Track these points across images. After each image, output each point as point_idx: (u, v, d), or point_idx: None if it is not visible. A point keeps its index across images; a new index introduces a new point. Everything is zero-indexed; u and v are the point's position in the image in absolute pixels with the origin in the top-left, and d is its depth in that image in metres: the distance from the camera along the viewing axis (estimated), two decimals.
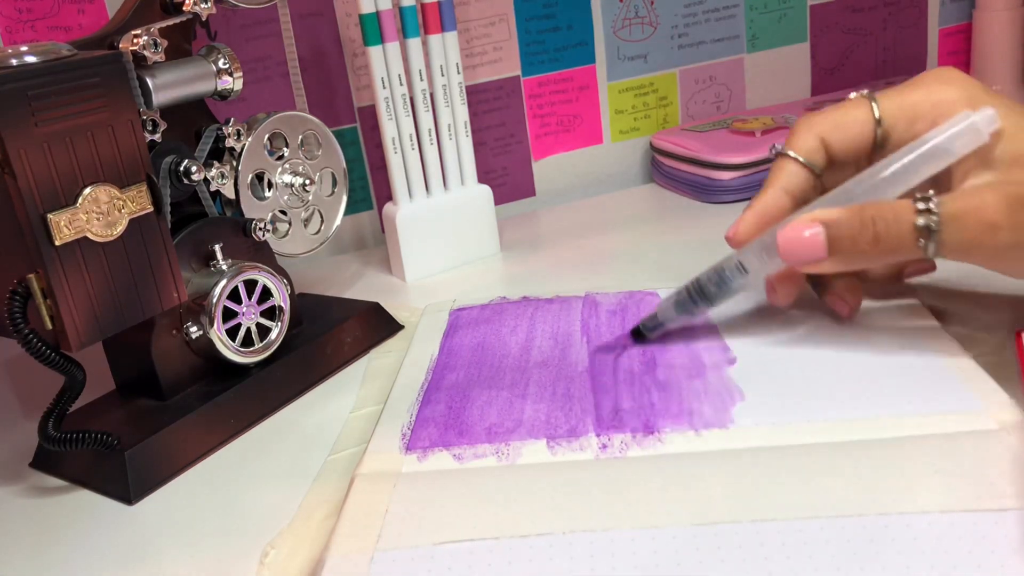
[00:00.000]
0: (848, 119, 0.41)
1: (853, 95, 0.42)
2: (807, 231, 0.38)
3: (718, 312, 0.48)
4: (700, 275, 0.44)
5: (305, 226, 0.53)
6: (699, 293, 0.43)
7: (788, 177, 0.42)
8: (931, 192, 0.37)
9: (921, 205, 0.36)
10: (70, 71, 0.38)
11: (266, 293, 0.47)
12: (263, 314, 0.47)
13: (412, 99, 0.60)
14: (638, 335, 0.45)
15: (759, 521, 0.31)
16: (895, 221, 0.37)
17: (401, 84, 0.59)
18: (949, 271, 0.47)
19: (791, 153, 0.42)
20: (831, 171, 0.42)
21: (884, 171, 0.39)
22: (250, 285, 0.46)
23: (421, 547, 0.32)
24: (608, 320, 0.49)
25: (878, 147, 0.41)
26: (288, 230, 0.52)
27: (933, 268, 0.45)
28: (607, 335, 0.47)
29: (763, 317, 0.47)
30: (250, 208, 0.50)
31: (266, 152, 0.50)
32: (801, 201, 0.42)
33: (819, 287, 0.45)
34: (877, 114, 0.41)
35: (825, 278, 0.44)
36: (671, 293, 0.44)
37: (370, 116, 0.69)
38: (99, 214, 0.39)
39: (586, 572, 0.30)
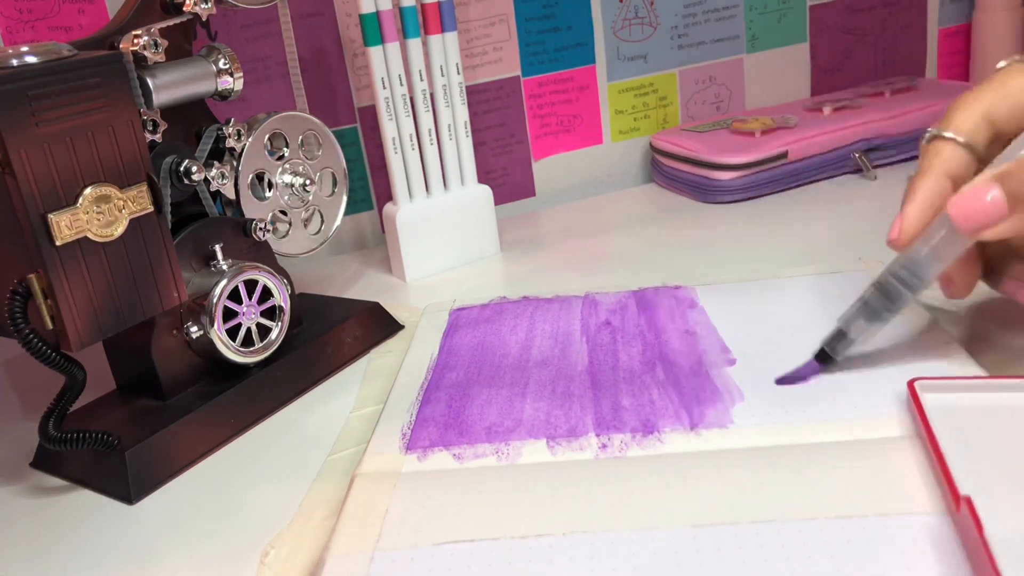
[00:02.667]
0: (1011, 88, 0.38)
1: (1002, 63, 0.39)
2: (982, 192, 0.35)
3: (717, 312, 0.48)
4: (882, 277, 0.39)
5: (305, 226, 0.53)
6: (888, 295, 0.38)
7: (948, 161, 0.38)
8: None
9: None
10: (70, 71, 0.38)
11: (266, 293, 0.47)
12: (263, 314, 0.47)
13: (412, 99, 0.60)
14: (825, 358, 0.40)
15: (759, 522, 0.31)
16: None
17: (401, 84, 0.59)
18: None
19: (948, 134, 0.39)
20: (995, 149, 0.38)
21: None
22: (250, 285, 0.46)
23: (421, 547, 0.32)
24: (608, 320, 0.49)
25: None
26: (288, 230, 0.52)
27: None
28: (607, 335, 0.47)
29: (763, 316, 0.47)
30: (250, 208, 0.50)
31: (266, 152, 0.50)
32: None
33: (993, 277, 0.41)
34: None
35: (999, 266, 0.40)
36: (852, 305, 0.40)
37: (370, 116, 0.69)
38: (99, 214, 0.39)
39: (586, 573, 0.30)
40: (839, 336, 0.40)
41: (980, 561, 0.27)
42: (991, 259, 0.40)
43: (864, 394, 0.38)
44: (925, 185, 0.39)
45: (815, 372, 0.40)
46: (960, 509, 0.29)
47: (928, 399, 0.35)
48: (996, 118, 0.38)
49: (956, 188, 0.38)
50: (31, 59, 0.37)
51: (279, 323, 0.48)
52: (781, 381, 0.40)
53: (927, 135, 0.40)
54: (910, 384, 0.36)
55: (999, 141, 0.39)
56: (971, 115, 0.39)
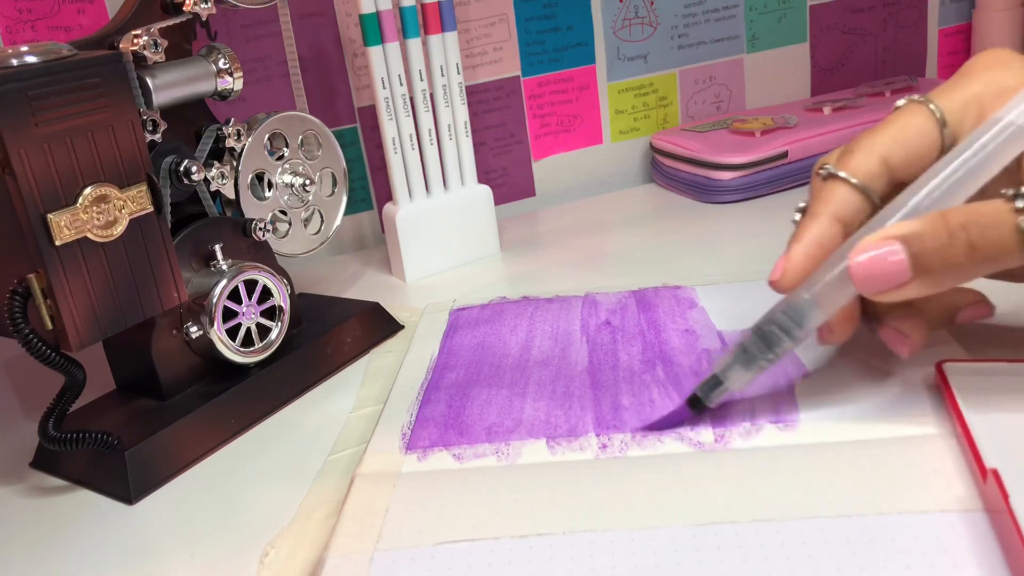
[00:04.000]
0: (908, 131, 0.36)
1: (901, 102, 0.37)
2: (886, 251, 0.32)
3: (717, 312, 0.48)
4: (762, 323, 0.36)
5: (305, 226, 0.53)
6: (767, 341, 0.36)
7: (841, 204, 0.36)
8: None
9: (1021, 203, 0.30)
10: (70, 71, 0.38)
11: (266, 293, 0.47)
12: (263, 314, 0.47)
13: (412, 99, 0.60)
14: (696, 403, 0.38)
15: (759, 521, 0.31)
16: (992, 226, 0.31)
17: (401, 84, 0.59)
18: None
19: (844, 175, 0.36)
20: (889, 198, 0.36)
21: (951, 167, 0.33)
22: (250, 285, 0.46)
23: (421, 547, 0.32)
24: (608, 319, 0.49)
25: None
26: (288, 230, 0.52)
27: (991, 312, 0.39)
28: (607, 335, 0.47)
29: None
30: (250, 208, 0.50)
31: (266, 152, 0.50)
32: (852, 232, 0.36)
33: (873, 321, 0.38)
34: (939, 115, 0.36)
35: (879, 311, 0.38)
36: (728, 351, 0.37)
37: (370, 116, 0.69)
38: (99, 214, 0.39)
39: (586, 572, 0.30)
40: (714, 382, 0.37)
41: (1007, 531, 0.28)
42: (869, 302, 0.37)
43: (864, 394, 0.38)
44: (814, 228, 0.36)
45: (684, 418, 0.38)
46: (987, 480, 0.30)
47: (956, 379, 0.36)
48: (893, 162, 0.36)
49: (846, 234, 0.36)
50: (31, 59, 0.37)
51: (279, 323, 0.48)
52: (648, 427, 0.38)
53: (822, 171, 0.37)
54: (938, 366, 0.37)
55: (895, 186, 0.36)
56: (870, 158, 0.36)
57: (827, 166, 0.37)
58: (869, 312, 0.38)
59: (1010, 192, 0.31)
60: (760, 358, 0.36)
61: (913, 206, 0.33)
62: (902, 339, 0.37)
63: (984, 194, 0.33)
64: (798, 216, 0.38)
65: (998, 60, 0.36)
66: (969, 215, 0.31)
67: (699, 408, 0.38)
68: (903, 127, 0.36)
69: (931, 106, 0.36)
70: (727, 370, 0.37)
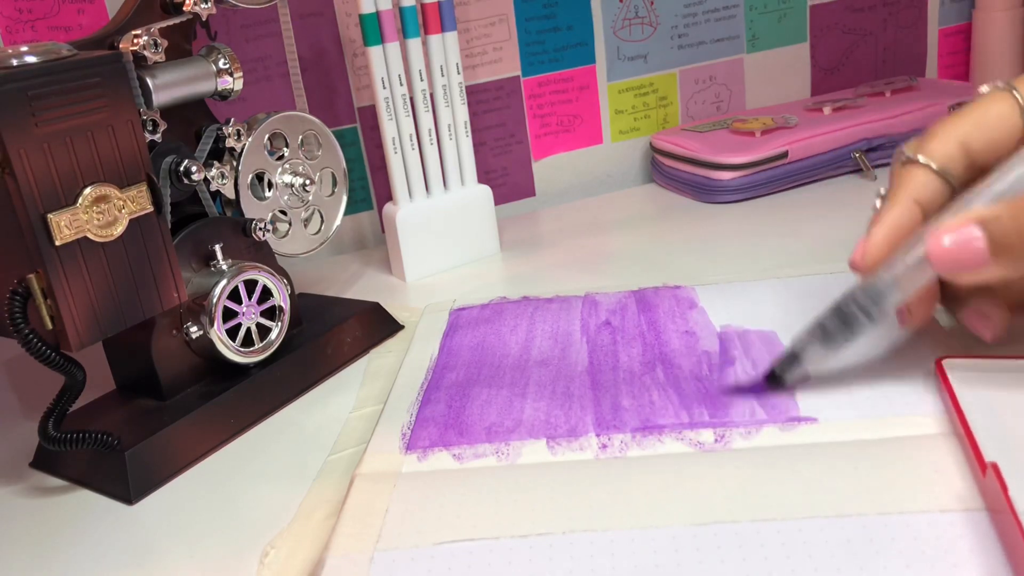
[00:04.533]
0: (990, 116, 0.36)
1: (984, 88, 0.37)
2: (965, 233, 0.32)
3: (717, 312, 0.48)
4: (841, 303, 0.37)
5: (305, 226, 0.53)
6: (846, 320, 0.36)
7: (920, 188, 0.37)
8: None
9: None
10: (70, 71, 0.38)
11: (266, 293, 0.47)
12: (263, 314, 0.47)
13: (412, 99, 0.60)
14: (775, 380, 0.39)
15: (759, 521, 0.31)
16: None
17: (401, 84, 0.59)
18: None
19: (923, 159, 0.37)
20: (969, 179, 0.37)
21: None
22: (250, 285, 0.46)
23: (421, 547, 0.32)
24: (608, 320, 0.49)
25: None
26: (288, 230, 0.52)
27: (1001, 325, 0.39)
28: (607, 335, 0.47)
29: (763, 316, 0.47)
30: (250, 208, 0.50)
31: (266, 152, 0.50)
32: (931, 216, 0.36)
33: (953, 304, 0.39)
34: (1022, 102, 0.36)
35: (960, 294, 0.38)
36: (806, 328, 0.38)
37: (370, 116, 0.69)
38: (99, 214, 0.39)
39: (586, 572, 0.30)
40: (791, 359, 0.38)
41: (1008, 527, 0.28)
42: (950, 285, 0.38)
43: (863, 394, 0.38)
44: (894, 211, 0.37)
45: (760, 392, 0.39)
46: (986, 475, 0.30)
47: (955, 375, 0.36)
48: (973, 147, 0.37)
49: (925, 216, 0.37)
50: (31, 59, 0.37)
51: (279, 323, 0.48)
52: (726, 391, 0.39)
53: (902, 156, 0.38)
54: (938, 362, 0.37)
55: (974, 171, 0.37)
56: (948, 142, 0.37)
57: (905, 151, 0.38)
58: (949, 296, 0.39)
59: None
60: (839, 337, 0.37)
61: (996, 192, 0.34)
62: (985, 321, 0.38)
63: None
64: (879, 202, 0.39)
65: None
66: None
67: (778, 384, 0.38)
68: (984, 112, 0.37)
69: (1015, 93, 0.36)
70: (805, 347, 0.37)
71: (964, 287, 0.38)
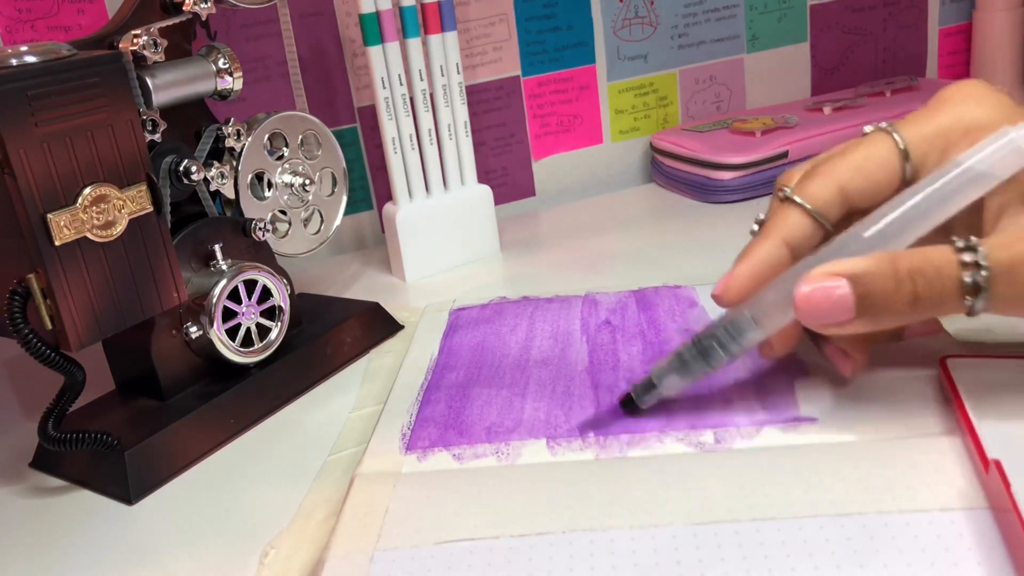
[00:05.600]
0: (870, 161, 0.36)
1: (868, 128, 0.37)
2: (830, 285, 0.32)
3: (717, 312, 0.48)
4: (701, 334, 0.37)
5: (305, 226, 0.53)
6: (704, 352, 0.37)
7: (791, 228, 0.37)
8: (973, 239, 0.31)
9: (967, 257, 0.31)
10: (70, 71, 0.38)
11: (266, 293, 0.47)
12: (263, 314, 0.47)
13: (412, 99, 0.60)
14: (629, 404, 0.39)
15: (759, 520, 0.31)
16: (937, 277, 0.31)
17: (401, 84, 0.59)
18: None
19: (799, 200, 0.37)
20: (844, 224, 0.36)
21: (910, 204, 0.33)
22: (250, 285, 0.46)
23: (421, 547, 0.32)
24: (608, 319, 0.49)
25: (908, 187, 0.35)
26: (288, 230, 0.52)
27: (940, 330, 0.40)
28: (607, 335, 0.47)
29: None
30: (250, 208, 0.50)
31: (266, 152, 0.50)
32: (800, 257, 0.36)
33: (818, 339, 0.39)
34: (902, 146, 0.35)
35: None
36: (667, 357, 0.38)
37: (370, 116, 0.69)
38: (99, 214, 0.39)
39: (586, 571, 0.30)
40: (648, 386, 0.38)
41: (1010, 524, 0.28)
42: None
43: (864, 393, 0.38)
44: (762, 248, 0.37)
45: (617, 418, 0.39)
46: (989, 472, 0.30)
47: (959, 374, 0.36)
48: (851, 192, 0.36)
49: (795, 258, 0.36)
50: (31, 59, 0.37)
51: (279, 323, 0.48)
52: (581, 427, 0.39)
53: (781, 192, 0.37)
54: (942, 361, 0.37)
55: (850, 214, 0.36)
56: (827, 186, 0.36)
57: (785, 189, 0.37)
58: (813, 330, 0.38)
59: (960, 244, 0.31)
60: (695, 368, 0.37)
61: (866, 240, 0.33)
62: (845, 358, 0.38)
63: (941, 231, 0.33)
64: (756, 227, 0.39)
65: (971, 94, 0.35)
66: (917, 262, 0.31)
67: (631, 409, 0.39)
68: (866, 157, 0.36)
69: (896, 136, 0.36)
70: (663, 376, 0.38)
71: None
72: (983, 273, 0.31)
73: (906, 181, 0.35)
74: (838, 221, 0.37)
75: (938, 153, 0.35)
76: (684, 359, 0.37)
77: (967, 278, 0.31)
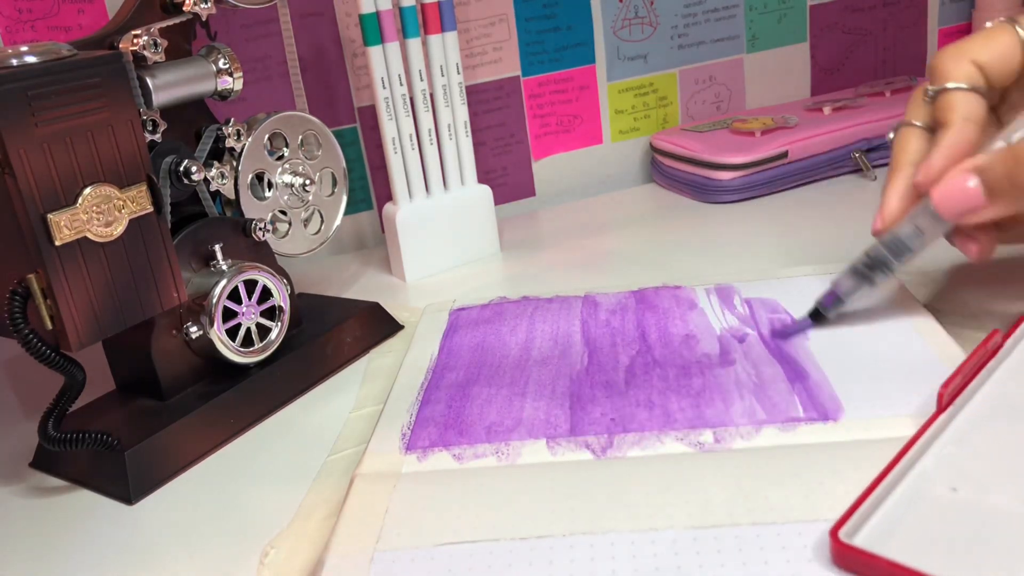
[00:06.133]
0: (994, 40, 0.40)
1: (988, 24, 0.41)
2: (961, 181, 0.37)
3: (717, 312, 0.48)
4: (870, 248, 0.42)
5: (305, 226, 0.53)
6: (876, 262, 0.42)
7: (964, 106, 0.40)
8: None
9: None
10: (70, 71, 0.37)
11: (266, 293, 0.47)
12: (263, 314, 0.47)
13: (412, 99, 0.60)
14: (817, 316, 0.44)
15: (759, 524, 0.31)
16: None
17: (401, 84, 0.59)
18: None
19: (951, 85, 0.40)
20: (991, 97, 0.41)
21: None
22: (250, 285, 0.46)
23: (421, 548, 0.32)
24: (608, 320, 0.49)
25: None
26: (288, 230, 0.52)
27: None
28: (607, 335, 0.47)
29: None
30: (250, 208, 0.50)
31: (266, 152, 0.50)
32: (987, 132, 0.40)
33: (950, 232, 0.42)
34: (1022, 34, 0.40)
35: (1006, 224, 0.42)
36: (844, 270, 0.43)
37: (370, 116, 0.69)
38: (99, 214, 0.39)
39: (586, 574, 0.30)
40: (831, 297, 0.43)
41: None
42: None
43: (863, 396, 0.38)
44: (948, 134, 0.40)
45: (808, 327, 0.44)
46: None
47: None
48: (984, 64, 0.40)
49: (981, 134, 0.40)
50: (31, 59, 0.37)
51: (279, 323, 0.48)
52: (775, 334, 0.44)
53: (928, 93, 0.41)
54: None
55: (993, 92, 0.41)
56: (963, 63, 0.40)
57: (929, 89, 0.42)
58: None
59: None
60: (871, 276, 0.42)
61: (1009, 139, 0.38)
62: (971, 242, 0.41)
63: None
64: (891, 135, 0.44)
65: None
66: None
67: (820, 320, 0.44)
68: (989, 37, 0.41)
69: (1016, 27, 0.40)
70: (842, 286, 0.43)
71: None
72: None
73: None
74: (990, 93, 0.41)
75: None
76: (858, 270, 0.42)
77: None
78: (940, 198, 0.38)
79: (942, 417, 0.34)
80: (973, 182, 0.37)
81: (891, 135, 0.43)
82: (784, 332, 0.44)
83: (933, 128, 0.41)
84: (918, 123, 0.42)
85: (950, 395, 0.35)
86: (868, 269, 0.42)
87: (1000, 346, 0.39)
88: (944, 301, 0.47)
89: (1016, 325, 0.40)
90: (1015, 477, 0.31)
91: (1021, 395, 0.36)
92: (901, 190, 0.41)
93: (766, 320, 0.46)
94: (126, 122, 0.40)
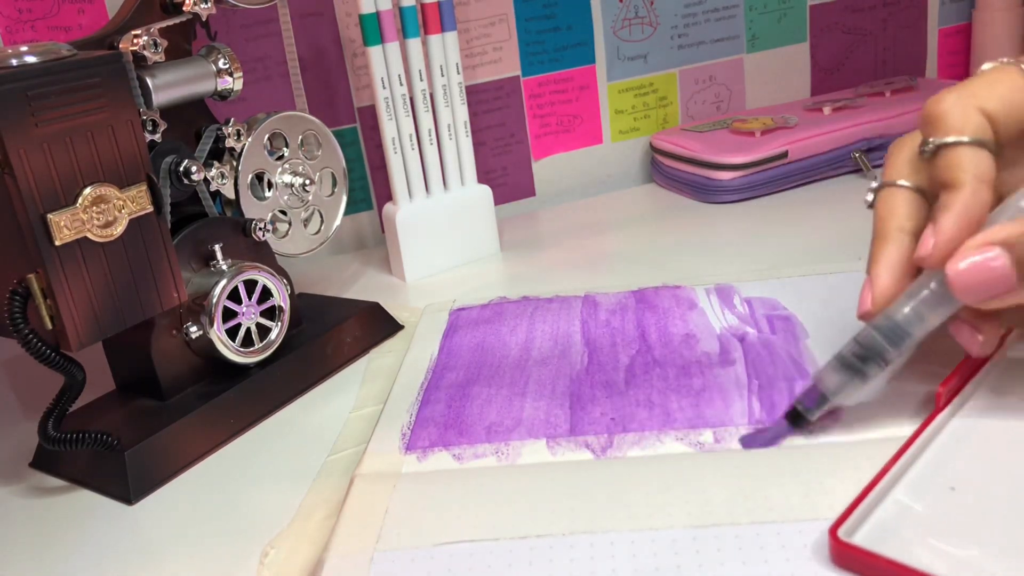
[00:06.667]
0: (1001, 84, 0.33)
1: (987, 66, 0.34)
2: (985, 257, 0.30)
3: (717, 312, 0.48)
4: (861, 334, 0.35)
5: (305, 226, 0.53)
6: (870, 352, 0.34)
7: (976, 165, 0.32)
8: None
9: None
10: (70, 71, 0.38)
11: (266, 293, 0.47)
12: (263, 314, 0.47)
13: (412, 99, 0.60)
14: (796, 418, 0.36)
15: (758, 523, 0.31)
16: None
17: (401, 84, 0.59)
18: None
19: (955, 139, 0.33)
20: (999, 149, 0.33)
21: None
22: (250, 285, 0.46)
23: (421, 548, 0.32)
24: (608, 320, 0.49)
25: None
26: (288, 230, 0.52)
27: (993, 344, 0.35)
28: (607, 335, 0.47)
29: (763, 320, 0.47)
30: (250, 208, 0.50)
31: (266, 152, 0.50)
32: (1000, 195, 0.33)
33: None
34: None
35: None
36: (829, 362, 0.36)
37: (370, 116, 0.69)
38: (99, 214, 0.39)
39: (586, 574, 0.30)
40: (814, 394, 0.36)
41: None
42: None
43: (863, 394, 0.38)
44: (961, 198, 0.32)
45: (786, 434, 0.36)
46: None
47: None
48: (993, 114, 0.33)
49: (997, 197, 0.33)
50: (31, 59, 0.37)
51: (279, 323, 0.48)
52: (748, 442, 0.36)
53: (926, 148, 0.34)
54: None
55: (1000, 140, 0.33)
56: (971, 112, 0.33)
57: (930, 142, 0.34)
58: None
59: None
60: (863, 369, 0.35)
61: (1006, 210, 0.32)
62: (972, 335, 0.35)
63: None
64: (870, 196, 0.37)
65: None
66: None
67: (801, 423, 0.36)
68: (994, 81, 0.34)
69: (1022, 66, 0.34)
70: (826, 381, 0.35)
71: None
72: None
73: None
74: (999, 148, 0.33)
75: None
76: (846, 361, 0.35)
77: None
78: (959, 277, 0.31)
79: (940, 416, 0.34)
80: (1002, 259, 0.30)
81: (870, 196, 0.37)
82: (757, 440, 0.36)
83: (924, 190, 0.35)
84: (906, 183, 0.35)
85: (948, 395, 0.35)
86: (860, 361, 0.34)
87: (1000, 346, 0.39)
88: None
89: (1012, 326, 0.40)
90: (1013, 476, 0.31)
91: (1018, 394, 0.36)
92: (894, 263, 0.34)
93: (766, 320, 0.46)
94: (126, 122, 0.40)
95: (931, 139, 0.34)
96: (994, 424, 0.34)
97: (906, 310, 0.34)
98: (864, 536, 0.29)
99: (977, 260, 0.31)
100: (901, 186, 0.35)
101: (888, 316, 0.34)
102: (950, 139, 0.33)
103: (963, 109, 0.33)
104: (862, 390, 0.35)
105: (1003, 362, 0.38)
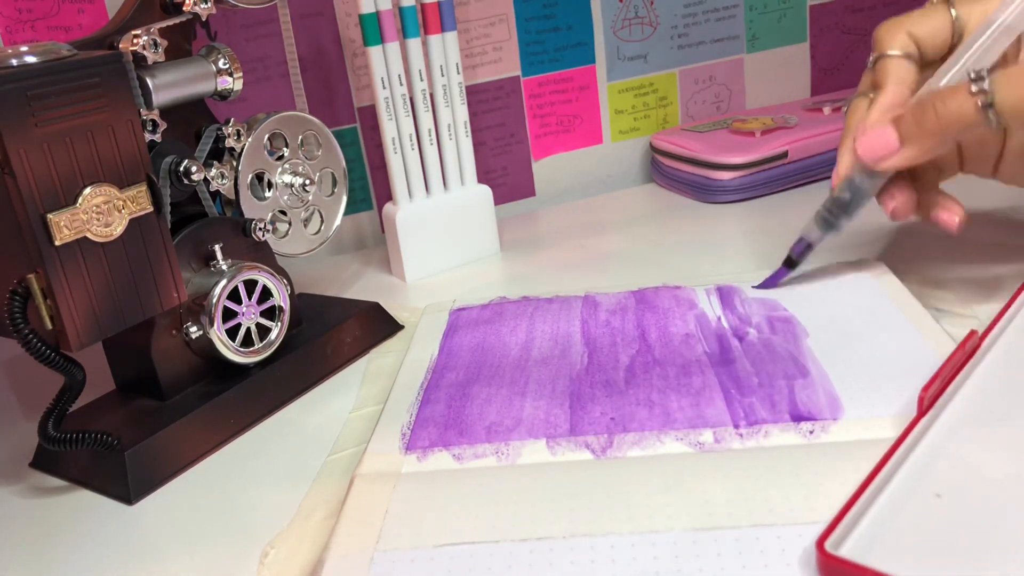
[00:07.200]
0: (930, 17, 0.45)
1: (927, 5, 0.46)
2: (880, 130, 0.42)
3: (717, 312, 0.48)
4: (830, 196, 0.47)
5: (305, 226, 0.53)
6: (836, 206, 0.47)
7: (898, 71, 0.45)
8: (983, 68, 0.39)
9: (973, 75, 0.39)
10: (70, 71, 0.37)
11: (266, 293, 0.47)
12: (263, 314, 0.47)
13: (412, 99, 0.60)
14: (790, 263, 0.50)
15: (759, 526, 0.31)
16: (951, 96, 0.40)
17: (401, 84, 0.59)
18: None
19: (889, 52, 0.45)
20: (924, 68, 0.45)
21: (953, 59, 0.43)
22: (250, 285, 0.46)
23: (421, 548, 0.32)
24: (608, 320, 0.49)
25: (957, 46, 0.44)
26: (288, 230, 0.52)
27: (962, 214, 0.46)
28: (607, 335, 0.47)
29: (763, 320, 0.47)
30: (250, 208, 0.50)
31: (266, 152, 0.50)
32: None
33: (922, 210, 0.46)
34: (954, 14, 0.44)
35: (925, 198, 0.46)
36: (809, 222, 0.49)
37: (370, 116, 0.69)
38: (99, 214, 0.39)
39: None
40: (801, 245, 0.49)
41: None
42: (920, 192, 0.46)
43: (863, 395, 0.38)
44: (885, 94, 0.44)
45: (784, 275, 0.50)
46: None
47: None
48: (918, 36, 0.45)
49: (912, 95, 0.44)
50: (31, 59, 0.37)
51: (279, 323, 0.48)
52: (759, 286, 0.50)
53: (873, 59, 0.46)
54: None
55: (925, 63, 0.45)
56: (900, 34, 0.45)
57: (873, 56, 0.46)
58: (920, 206, 0.47)
59: (971, 74, 0.39)
60: (834, 220, 0.47)
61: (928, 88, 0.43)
62: (949, 214, 0.45)
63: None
64: (844, 108, 0.48)
65: None
66: (938, 92, 0.41)
67: (792, 266, 0.50)
68: (924, 13, 0.45)
69: (951, 9, 0.45)
70: (810, 233, 0.49)
71: (925, 191, 0.46)
72: (985, 83, 0.38)
73: (955, 40, 0.44)
74: (921, 63, 0.45)
75: (979, 16, 0.44)
76: (823, 217, 0.48)
77: (973, 88, 0.39)
78: (860, 144, 0.43)
79: (923, 421, 0.34)
80: (890, 130, 0.42)
81: (845, 108, 0.48)
82: (765, 284, 0.50)
83: (912, 59, 0.45)
84: (864, 94, 0.46)
85: (930, 398, 0.35)
86: (830, 215, 0.47)
87: (978, 347, 0.39)
88: (930, 297, 0.47)
89: (992, 325, 0.40)
90: (997, 481, 0.31)
91: (999, 397, 0.36)
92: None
93: (766, 320, 0.46)
94: (126, 122, 0.40)
95: (872, 54, 0.46)
96: (976, 429, 0.34)
97: (857, 178, 0.46)
98: (851, 547, 0.29)
99: (873, 131, 0.43)
100: (861, 96, 0.47)
101: (847, 182, 0.46)
102: (884, 52, 0.45)
103: (893, 31, 0.45)
104: (834, 233, 0.48)
105: (984, 362, 0.38)
